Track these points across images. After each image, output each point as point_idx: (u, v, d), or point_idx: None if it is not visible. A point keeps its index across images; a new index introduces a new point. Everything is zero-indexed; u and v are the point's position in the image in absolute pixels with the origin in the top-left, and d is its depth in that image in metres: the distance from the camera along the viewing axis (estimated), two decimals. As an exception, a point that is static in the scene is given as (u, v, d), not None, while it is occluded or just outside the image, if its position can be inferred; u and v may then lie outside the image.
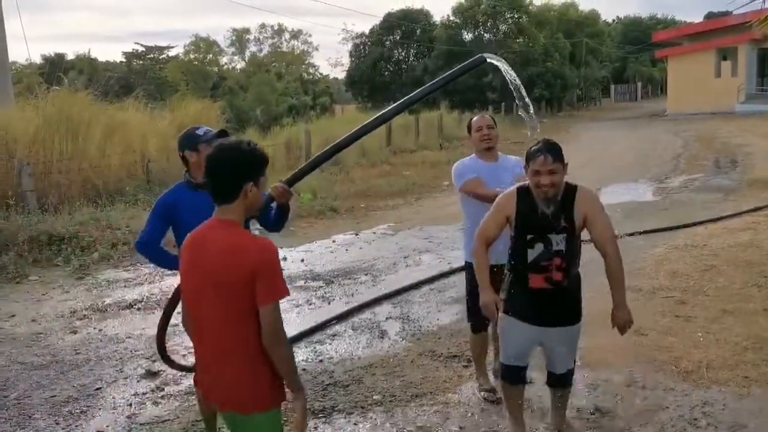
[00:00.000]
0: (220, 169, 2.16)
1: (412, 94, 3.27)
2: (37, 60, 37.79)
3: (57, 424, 3.85)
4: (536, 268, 3.01)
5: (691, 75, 33.27)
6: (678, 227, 8.41)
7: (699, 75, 33.07)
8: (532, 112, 3.48)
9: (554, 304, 3.06)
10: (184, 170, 3.27)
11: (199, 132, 3.21)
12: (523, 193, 3.05)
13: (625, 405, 3.71)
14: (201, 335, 2.23)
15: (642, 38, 53.57)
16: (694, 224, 8.50)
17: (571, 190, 3.02)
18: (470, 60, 3.26)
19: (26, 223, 8.28)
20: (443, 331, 5.17)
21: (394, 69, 43.65)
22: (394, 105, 3.28)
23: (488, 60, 3.21)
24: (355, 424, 3.67)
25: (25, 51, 58.89)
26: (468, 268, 3.80)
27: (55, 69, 23.10)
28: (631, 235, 8.12)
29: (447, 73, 3.31)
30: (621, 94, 56.99)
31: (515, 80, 3.34)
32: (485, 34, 40.07)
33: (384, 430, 3.59)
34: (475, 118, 4.01)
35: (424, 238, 8.77)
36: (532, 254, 3.00)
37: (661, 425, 3.46)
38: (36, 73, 21.84)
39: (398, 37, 43.09)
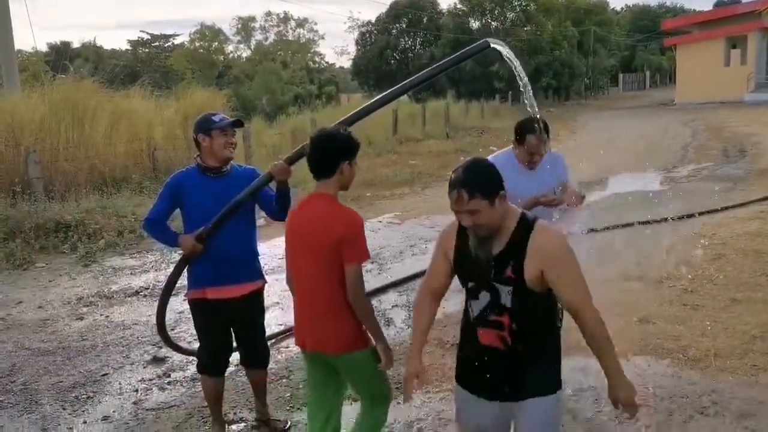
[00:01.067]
0: (321, 149, 2.54)
1: (415, 77, 3.25)
2: (43, 48, 37.82)
3: (63, 409, 3.87)
4: (485, 322, 2.24)
5: (700, 64, 32.97)
6: (686, 216, 8.35)
7: (708, 64, 32.76)
8: (531, 94, 3.34)
9: (513, 369, 2.23)
10: (196, 154, 3.26)
11: (215, 118, 3.22)
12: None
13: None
14: (299, 290, 2.63)
15: (651, 27, 53.20)
16: (703, 213, 8.44)
17: (525, 227, 2.16)
18: (474, 45, 3.21)
19: (33, 211, 8.30)
20: (449, 319, 5.14)
21: (401, 57, 43.44)
22: (396, 87, 3.24)
23: (492, 45, 3.16)
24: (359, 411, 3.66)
25: (30, 39, 58.76)
26: None
27: (60, 57, 23.11)
28: (640, 224, 8.08)
29: (450, 57, 3.26)
30: (629, 83, 56.60)
31: (518, 68, 3.26)
32: (492, 22, 39.79)
33: (390, 417, 3.57)
34: (533, 136, 3.36)
35: (431, 227, 8.74)
36: (477, 306, 2.25)
37: (669, 413, 3.44)
38: (42, 61, 21.84)
39: (405, 26, 42.84)
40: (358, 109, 3.17)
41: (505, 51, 3.22)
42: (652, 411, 3.47)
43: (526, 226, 2.16)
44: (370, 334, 2.60)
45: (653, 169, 13.32)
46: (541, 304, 2.21)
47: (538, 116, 3.30)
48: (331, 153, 2.53)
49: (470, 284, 2.26)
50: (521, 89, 3.30)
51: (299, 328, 2.69)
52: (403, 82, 3.26)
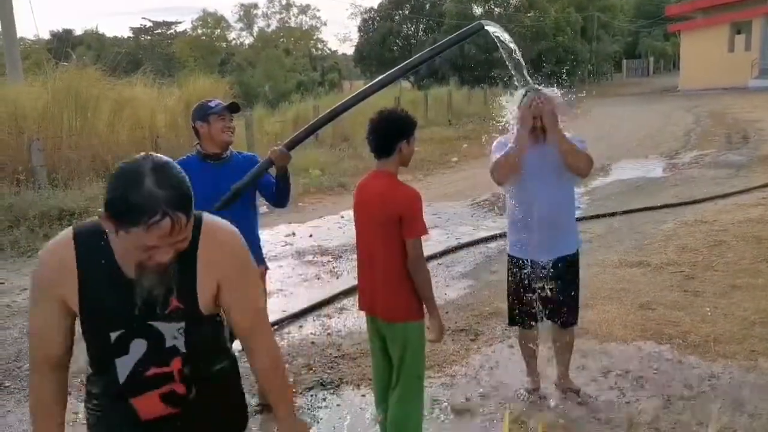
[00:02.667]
0: (381, 130, 2.72)
1: (410, 60, 3.24)
2: (45, 35, 37.71)
3: (70, 394, 3.90)
4: (141, 385, 1.57)
5: (704, 50, 32.74)
6: (687, 203, 8.36)
7: (712, 50, 32.52)
8: (528, 77, 3.29)
9: None
10: (196, 142, 3.28)
11: (211, 104, 3.24)
12: (89, 239, 1.53)
13: (632, 377, 3.72)
14: (361, 257, 2.87)
15: (655, 12, 52.72)
16: (704, 200, 8.45)
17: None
18: (468, 27, 3.19)
19: (37, 198, 8.35)
20: (450, 305, 5.19)
21: (403, 44, 43.22)
22: (393, 70, 3.23)
23: (486, 27, 3.15)
24: (363, 395, 3.71)
25: (32, 26, 58.60)
26: (511, 261, 3.40)
27: (63, 44, 23.05)
28: (641, 210, 8.09)
29: (445, 40, 3.24)
30: (633, 69, 56.22)
31: (515, 51, 3.22)
32: (495, 8, 39.52)
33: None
34: (530, 97, 3.14)
35: (433, 214, 8.75)
36: (125, 365, 1.56)
37: (668, 397, 3.47)
38: (44, 49, 21.79)
39: (407, 12, 42.59)
40: (356, 93, 3.18)
41: (500, 32, 3.20)
42: (651, 395, 3.50)
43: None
44: (425, 306, 2.74)
45: (656, 155, 13.30)
46: (217, 330, 1.67)
47: (534, 86, 3.21)
48: (390, 134, 2.70)
49: (114, 334, 1.53)
50: (512, 70, 3.25)
51: (360, 292, 2.94)
52: (400, 65, 3.25)
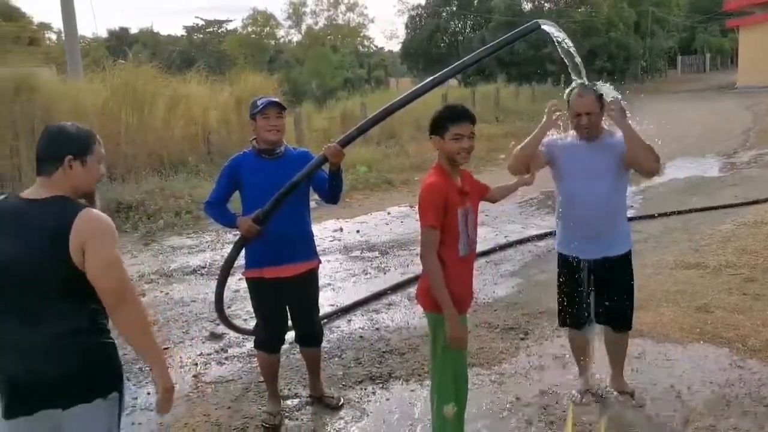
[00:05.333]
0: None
1: (465, 59, 3.24)
2: (103, 34, 38.95)
3: (128, 380, 4.05)
4: None
5: (764, 46, 31.41)
6: (747, 203, 8.06)
7: (773, 45, 31.19)
8: (585, 78, 3.26)
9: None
10: (253, 137, 3.36)
11: (258, 102, 3.30)
12: None
13: (689, 381, 3.62)
14: None
15: (711, 7, 50.87)
16: (765, 201, 8.13)
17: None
18: (524, 26, 3.18)
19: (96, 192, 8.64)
20: (499, 303, 5.16)
21: (450, 41, 42.97)
22: (446, 69, 3.24)
23: (542, 27, 3.12)
24: (411, 390, 3.73)
25: (92, 25, 60.61)
26: (560, 259, 3.37)
27: (120, 42, 23.78)
28: (698, 210, 7.86)
29: (500, 39, 3.22)
30: (688, 65, 54.51)
31: (570, 48, 3.19)
32: (545, 4, 38.89)
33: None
34: (575, 93, 3.14)
35: (480, 211, 8.66)
36: None
37: (727, 401, 3.37)
38: (103, 47, 22.53)
39: (455, 8, 42.29)
40: (410, 91, 3.19)
41: (556, 32, 3.17)
42: (709, 399, 3.41)
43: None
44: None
45: (712, 154, 12.88)
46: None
47: (588, 83, 3.17)
48: (430, 127, 2.79)
49: None
50: (570, 71, 3.22)
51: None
52: (454, 64, 3.26)
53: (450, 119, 2.70)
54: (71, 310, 2.01)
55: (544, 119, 3.20)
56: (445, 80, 3.35)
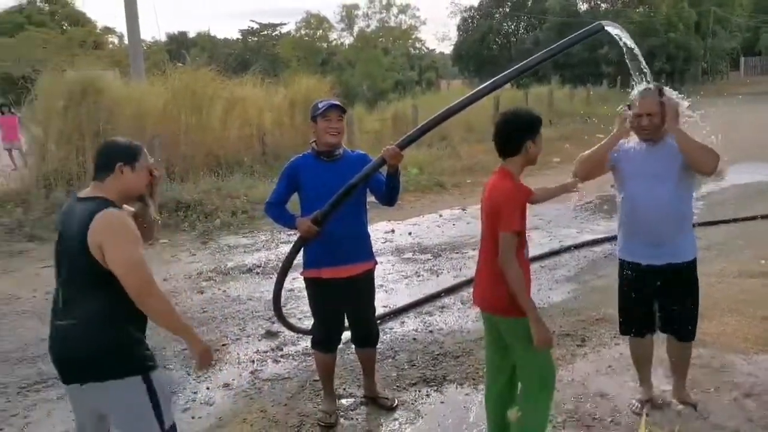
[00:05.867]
0: (505, 130, 2.74)
1: (525, 62, 3.21)
2: (162, 38, 40.18)
3: (188, 374, 4.18)
4: None
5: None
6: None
7: None
8: (650, 80, 3.18)
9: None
10: (312, 139, 3.41)
11: (320, 105, 3.34)
12: None
13: (754, 392, 3.49)
14: (479, 251, 2.88)
15: (779, 5, 48.75)
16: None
17: None
18: (586, 28, 3.12)
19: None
20: (555, 309, 5.09)
21: (503, 42, 42.58)
22: (506, 72, 3.22)
23: (606, 28, 3.06)
24: (466, 394, 3.72)
25: (154, 30, 62.66)
26: (621, 266, 3.30)
27: (179, 46, 24.49)
28: (762, 218, 7.56)
29: (560, 42, 3.18)
30: (752, 67, 52.32)
31: (635, 49, 3.13)
32: (602, 4, 38.09)
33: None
34: (638, 94, 3.10)
35: (534, 215, 8.57)
36: None
37: (796, 418, 3.24)
38: (163, 51, 23.23)
39: (508, 9, 41.86)
40: (470, 93, 3.19)
41: (621, 34, 3.11)
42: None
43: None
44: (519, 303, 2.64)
45: (779, 159, 12.35)
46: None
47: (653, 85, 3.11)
48: (515, 133, 2.71)
49: None
50: (632, 72, 3.16)
51: (474, 287, 2.98)
52: (513, 67, 3.23)
53: (539, 123, 2.77)
54: (97, 300, 2.24)
55: (615, 128, 3.15)
56: (506, 83, 3.33)
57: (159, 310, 2.26)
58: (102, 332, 2.25)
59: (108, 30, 35.36)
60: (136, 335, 2.34)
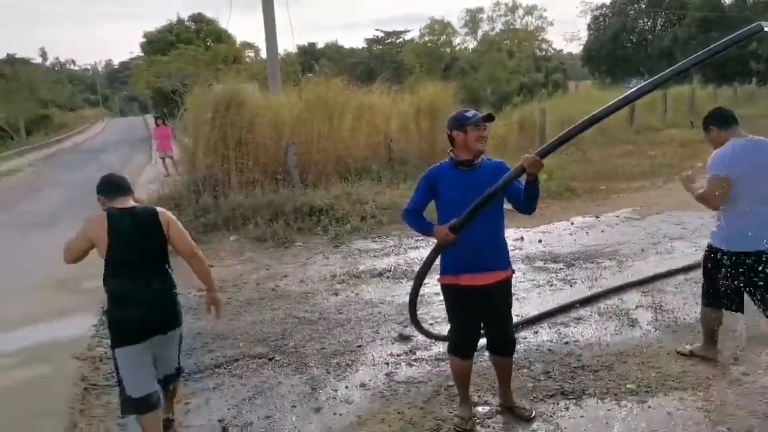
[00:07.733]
0: None
1: (681, 62, 3.05)
2: (293, 50, 42.21)
3: (328, 373, 4.37)
4: None
5: None
6: None
7: None
8: None
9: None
10: (450, 149, 3.45)
11: (468, 114, 3.37)
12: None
13: None
14: None
15: None
16: None
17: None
18: (744, 29, 2.90)
19: (291, 196, 9.45)
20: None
21: (638, 41, 40.40)
22: (663, 73, 3.07)
23: (766, 29, 2.83)
24: (608, 409, 3.58)
25: (285, 43, 66.09)
26: (709, 249, 3.64)
27: (309, 57, 25.62)
28: None
29: (714, 45, 2.97)
30: None
31: None
32: (749, -5, 35.02)
33: (640, 420, 3.45)
34: None
35: (676, 224, 8.10)
36: None
37: None
38: (295, 63, 24.38)
39: (644, 6, 39.68)
40: (619, 98, 3.08)
41: None
42: None
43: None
44: None
45: None
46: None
47: None
48: None
49: None
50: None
51: None
52: (671, 68, 3.08)
53: None
54: (164, 272, 3.37)
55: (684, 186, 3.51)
56: (658, 86, 3.18)
57: (201, 264, 3.51)
58: (175, 293, 3.42)
59: (246, 45, 37.72)
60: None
